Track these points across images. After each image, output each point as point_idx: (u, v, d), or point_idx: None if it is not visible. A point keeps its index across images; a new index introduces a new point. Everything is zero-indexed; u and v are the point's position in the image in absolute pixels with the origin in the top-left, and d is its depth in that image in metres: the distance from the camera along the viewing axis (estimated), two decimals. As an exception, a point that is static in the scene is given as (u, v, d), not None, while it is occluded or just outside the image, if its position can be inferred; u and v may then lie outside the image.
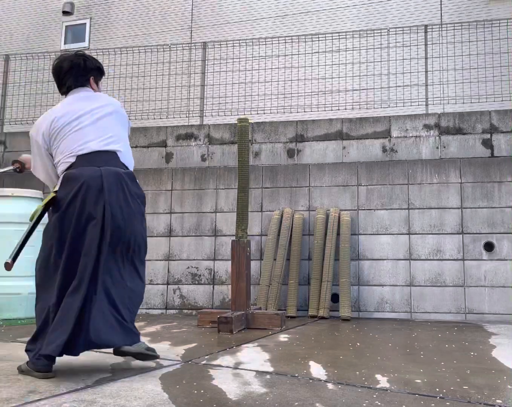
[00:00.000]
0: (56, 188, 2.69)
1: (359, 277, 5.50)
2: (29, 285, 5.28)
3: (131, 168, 2.83)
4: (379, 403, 2.19)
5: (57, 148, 2.72)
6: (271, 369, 2.83)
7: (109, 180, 2.60)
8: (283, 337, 4.00)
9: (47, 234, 2.72)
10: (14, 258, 2.75)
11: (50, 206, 2.70)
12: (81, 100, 2.80)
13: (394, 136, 5.76)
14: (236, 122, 4.91)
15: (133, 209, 2.69)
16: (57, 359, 2.63)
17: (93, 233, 2.56)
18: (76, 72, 2.83)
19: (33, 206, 5.40)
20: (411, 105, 6.10)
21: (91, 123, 2.72)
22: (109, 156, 2.70)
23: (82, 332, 2.49)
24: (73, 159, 2.66)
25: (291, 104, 6.42)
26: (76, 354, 2.58)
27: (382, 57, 6.35)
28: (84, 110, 2.74)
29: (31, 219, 2.78)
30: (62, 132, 2.70)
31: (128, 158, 2.81)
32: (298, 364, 2.98)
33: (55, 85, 2.94)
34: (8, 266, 2.69)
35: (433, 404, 2.19)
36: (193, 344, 3.65)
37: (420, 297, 5.35)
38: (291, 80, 6.59)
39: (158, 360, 3.01)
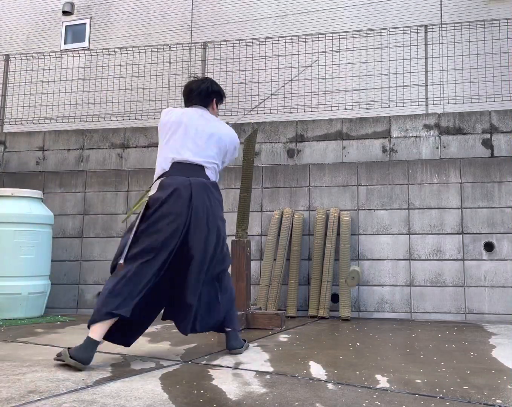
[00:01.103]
0: (151, 193, 3.06)
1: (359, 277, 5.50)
2: (29, 285, 5.30)
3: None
4: (379, 403, 2.19)
5: (164, 141, 3.17)
6: (271, 369, 2.83)
7: (198, 192, 2.99)
8: (283, 337, 4.00)
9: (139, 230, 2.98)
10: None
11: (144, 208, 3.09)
12: (196, 114, 3.23)
13: (394, 136, 5.76)
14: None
15: (215, 210, 3.09)
16: (53, 357, 2.64)
17: (169, 238, 2.93)
18: (203, 93, 3.31)
19: (33, 206, 5.43)
20: (411, 105, 6.10)
21: (192, 136, 3.12)
22: (198, 169, 3.08)
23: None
24: (168, 166, 3.06)
25: (291, 104, 6.42)
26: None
27: (382, 57, 6.35)
28: (194, 123, 3.16)
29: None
30: (170, 129, 3.15)
31: (211, 175, 3.16)
32: (298, 364, 2.98)
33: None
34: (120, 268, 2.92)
35: (433, 404, 2.19)
36: (193, 344, 3.65)
37: (420, 297, 5.35)
38: (291, 80, 6.59)
39: (158, 360, 3.01)
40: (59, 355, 2.79)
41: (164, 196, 2.95)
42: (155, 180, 3.09)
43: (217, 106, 3.41)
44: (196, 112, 3.26)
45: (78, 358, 2.69)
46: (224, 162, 3.32)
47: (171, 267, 2.96)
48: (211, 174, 3.15)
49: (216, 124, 3.28)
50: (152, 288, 2.90)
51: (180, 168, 3.05)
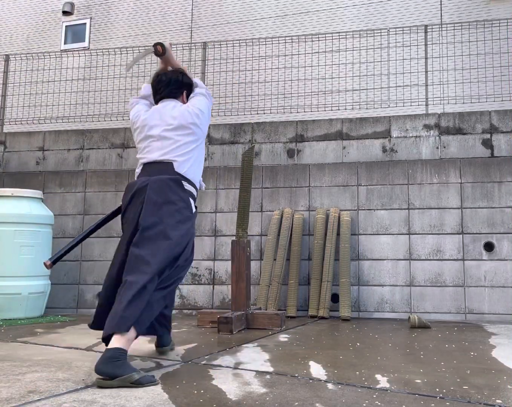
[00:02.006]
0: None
1: (359, 277, 5.50)
2: (29, 285, 5.30)
3: (192, 176, 3.01)
4: (379, 403, 2.19)
5: (136, 143, 3.15)
6: (271, 369, 2.83)
7: (153, 189, 2.84)
8: (283, 337, 4.00)
9: None
10: (55, 261, 2.98)
11: (115, 215, 3.19)
12: (159, 111, 3.07)
13: (394, 136, 5.76)
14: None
15: (166, 211, 2.84)
16: (53, 357, 2.63)
17: (127, 233, 2.87)
18: (172, 85, 3.14)
19: (33, 206, 5.43)
20: (411, 105, 6.10)
21: (157, 135, 2.99)
22: (164, 166, 2.94)
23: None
24: (139, 170, 3.03)
25: (291, 104, 6.42)
26: None
27: (382, 57, 6.35)
28: (159, 121, 3.02)
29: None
30: (139, 133, 3.08)
31: (185, 167, 2.96)
32: (298, 364, 2.98)
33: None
34: (47, 267, 2.95)
35: (433, 404, 2.19)
36: (193, 344, 3.65)
37: (420, 297, 5.35)
38: (291, 80, 6.59)
39: (158, 360, 3.01)
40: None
41: (125, 201, 2.95)
42: None
43: (187, 98, 3.20)
44: (163, 107, 3.09)
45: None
46: (207, 123, 3.16)
47: None
48: (184, 167, 2.96)
49: (179, 110, 3.06)
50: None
51: (147, 169, 2.97)
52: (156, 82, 3.17)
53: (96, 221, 3.25)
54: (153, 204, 2.81)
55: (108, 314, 2.67)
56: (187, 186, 2.95)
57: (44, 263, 2.91)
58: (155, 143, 2.99)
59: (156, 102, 3.16)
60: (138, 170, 3.06)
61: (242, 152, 6.02)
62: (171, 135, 2.98)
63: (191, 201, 2.97)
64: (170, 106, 3.07)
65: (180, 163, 2.95)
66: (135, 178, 3.06)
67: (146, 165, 2.99)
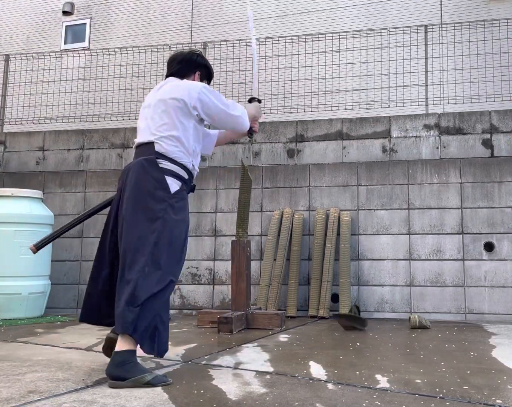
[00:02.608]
0: None
1: (359, 277, 5.50)
2: (29, 285, 5.30)
3: (179, 155, 2.72)
4: (379, 403, 2.19)
5: None
6: (271, 369, 2.83)
7: (132, 171, 2.69)
8: (283, 337, 4.00)
9: None
10: (41, 247, 2.91)
11: (106, 206, 2.99)
12: (156, 87, 2.89)
13: (394, 136, 5.76)
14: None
15: (131, 200, 2.66)
16: (53, 357, 2.63)
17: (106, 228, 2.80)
18: (184, 63, 2.93)
19: (33, 206, 5.43)
20: (411, 105, 6.10)
21: (148, 116, 2.80)
22: (146, 148, 2.75)
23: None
24: (133, 153, 2.88)
25: (291, 104, 6.42)
26: None
27: (382, 57, 6.35)
28: (151, 101, 2.82)
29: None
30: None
31: (166, 148, 2.70)
32: (298, 364, 2.98)
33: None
34: (32, 251, 2.91)
35: (433, 404, 2.19)
36: (193, 344, 3.65)
37: (420, 297, 5.35)
38: (291, 80, 6.59)
39: (158, 360, 3.01)
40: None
41: (117, 189, 2.84)
42: None
43: (202, 81, 2.96)
44: (158, 85, 2.90)
45: None
46: (208, 116, 2.81)
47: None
48: (166, 147, 2.70)
49: (175, 84, 2.83)
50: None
51: (135, 153, 2.83)
52: (170, 60, 2.99)
53: (86, 211, 3.16)
54: (129, 194, 2.65)
55: (100, 307, 2.75)
56: (165, 164, 2.68)
57: (30, 248, 2.87)
58: (143, 123, 2.82)
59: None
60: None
61: (242, 152, 6.03)
62: (158, 111, 2.74)
63: (171, 179, 2.67)
64: (169, 83, 2.85)
65: (163, 142, 2.70)
66: None
67: (135, 149, 2.86)
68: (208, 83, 3.03)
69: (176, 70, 2.91)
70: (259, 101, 3.18)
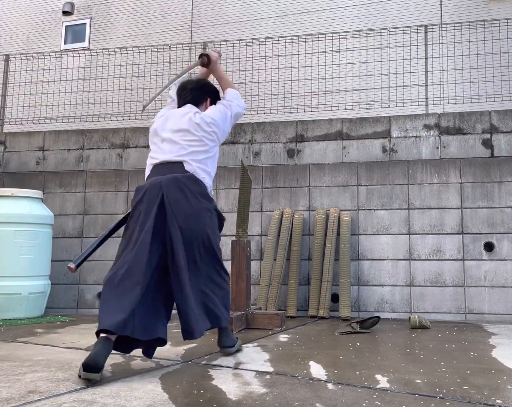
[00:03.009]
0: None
1: (359, 277, 5.50)
2: (29, 285, 5.30)
3: (203, 176, 3.02)
4: (379, 403, 2.19)
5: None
6: (271, 369, 2.83)
7: (167, 185, 2.87)
8: (283, 337, 4.00)
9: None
10: (79, 264, 2.94)
11: (125, 221, 3.05)
12: (175, 116, 3.13)
13: (394, 136, 5.77)
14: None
15: (193, 205, 2.89)
16: (53, 357, 2.63)
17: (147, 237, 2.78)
18: (196, 92, 3.23)
19: (33, 206, 5.43)
20: (411, 105, 6.10)
21: (168, 139, 3.03)
22: (175, 166, 2.97)
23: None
24: (148, 171, 3.04)
25: (291, 104, 6.42)
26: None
27: (382, 57, 6.35)
28: (170, 127, 3.07)
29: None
30: (152, 135, 3.14)
31: (196, 169, 2.99)
32: (298, 364, 2.98)
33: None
34: (71, 270, 2.88)
35: (433, 404, 2.19)
36: (193, 344, 3.65)
37: (420, 297, 5.35)
38: (291, 80, 6.59)
39: (158, 360, 3.01)
40: None
41: (135, 201, 2.92)
42: None
43: (212, 104, 3.29)
44: (179, 111, 3.16)
45: None
46: (222, 133, 3.20)
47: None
48: (195, 168, 2.98)
49: (192, 118, 3.09)
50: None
51: (157, 169, 3.00)
52: (181, 88, 3.26)
53: (109, 228, 3.17)
54: (180, 203, 2.85)
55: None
56: (202, 180, 3.01)
57: (68, 267, 2.86)
58: (165, 145, 3.03)
59: (179, 107, 3.23)
60: (147, 172, 3.06)
61: (242, 152, 6.03)
62: (179, 140, 3.01)
63: (209, 191, 3.08)
64: (183, 111, 3.13)
65: (190, 164, 2.97)
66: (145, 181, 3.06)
67: (156, 166, 3.01)
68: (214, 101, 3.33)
69: (189, 99, 3.20)
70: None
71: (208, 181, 3.07)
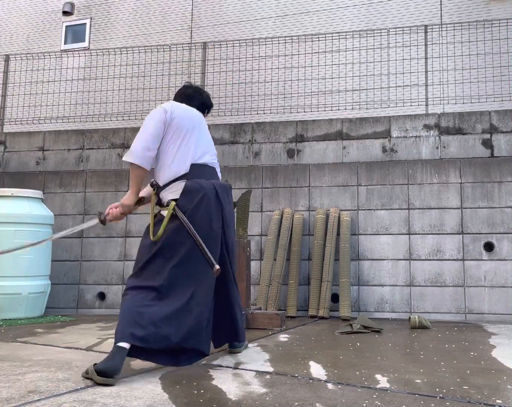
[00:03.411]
0: (171, 196, 2.82)
1: (359, 277, 5.50)
2: (29, 285, 5.30)
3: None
4: (379, 403, 2.19)
5: (171, 143, 2.88)
6: (271, 369, 2.83)
7: (222, 194, 2.88)
8: (283, 337, 4.00)
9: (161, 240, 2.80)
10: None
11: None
12: (201, 116, 3.13)
13: (394, 136, 5.76)
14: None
15: (232, 213, 3.02)
16: (53, 357, 2.62)
17: (214, 245, 2.81)
18: (204, 104, 3.24)
19: (33, 206, 5.43)
20: (411, 105, 6.10)
21: (203, 136, 3.00)
22: (214, 171, 3.00)
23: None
24: (186, 168, 2.85)
25: (291, 104, 6.42)
26: None
27: (382, 57, 6.35)
28: (204, 125, 3.08)
29: (157, 237, 2.79)
30: (185, 127, 2.92)
31: (220, 177, 3.11)
32: (298, 364, 2.98)
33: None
34: (217, 271, 2.74)
35: (433, 404, 2.19)
36: (193, 344, 3.64)
37: (420, 297, 5.35)
38: (291, 80, 6.59)
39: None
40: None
41: (193, 203, 2.77)
42: (171, 182, 2.85)
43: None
44: (200, 115, 3.18)
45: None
46: None
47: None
48: (220, 176, 3.14)
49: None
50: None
51: (199, 170, 2.89)
52: (195, 90, 3.25)
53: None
54: (231, 214, 2.98)
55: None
56: None
57: (215, 270, 2.71)
58: (202, 143, 2.98)
59: (190, 105, 3.14)
60: (183, 168, 2.85)
61: (242, 152, 6.03)
62: (209, 141, 3.09)
63: None
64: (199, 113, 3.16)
65: (218, 171, 3.07)
66: (170, 177, 2.85)
67: (197, 166, 2.89)
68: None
69: (199, 107, 3.18)
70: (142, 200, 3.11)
71: None
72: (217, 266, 2.65)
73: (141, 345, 2.54)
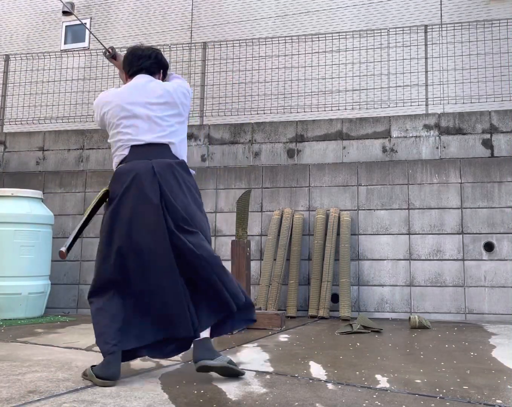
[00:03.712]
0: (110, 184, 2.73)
1: (359, 277, 5.50)
2: (29, 285, 5.30)
3: (185, 159, 2.78)
4: (379, 403, 2.19)
5: (112, 131, 2.74)
6: (271, 369, 2.83)
7: (161, 172, 2.58)
8: (283, 337, 4.00)
9: (102, 228, 2.76)
10: (69, 248, 2.65)
11: (104, 201, 2.78)
12: (140, 88, 2.76)
13: (394, 136, 5.76)
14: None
15: (189, 200, 2.65)
16: (53, 357, 2.63)
17: (154, 224, 2.54)
18: (153, 59, 2.86)
19: (33, 206, 5.43)
20: (411, 105, 6.10)
21: (145, 115, 2.68)
22: (162, 149, 2.67)
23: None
24: (126, 152, 2.67)
25: (291, 104, 6.42)
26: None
27: (382, 57, 6.35)
28: (140, 100, 2.71)
29: (84, 214, 2.79)
30: (116, 119, 2.70)
31: (180, 150, 2.75)
32: (298, 364, 2.98)
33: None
34: (62, 255, 2.60)
35: (433, 404, 2.19)
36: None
37: (420, 297, 5.35)
38: (291, 80, 6.59)
39: (158, 360, 3.00)
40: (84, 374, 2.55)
41: (123, 188, 2.60)
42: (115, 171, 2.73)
43: (162, 80, 2.94)
44: (143, 82, 2.78)
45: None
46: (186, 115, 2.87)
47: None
48: (179, 150, 2.74)
49: (163, 87, 2.79)
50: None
51: (139, 152, 2.64)
52: (133, 54, 2.86)
53: (87, 211, 2.86)
54: (177, 190, 2.60)
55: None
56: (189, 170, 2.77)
57: (60, 252, 2.59)
58: (143, 123, 2.67)
59: (131, 76, 2.85)
60: (123, 153, 2.69)
61: (242, 152, 6.03)
62: (160, 114, 2.69)
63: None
64: (153, 83, 2.79)
65: (176, 146, 2.71)
66: (115, 163, 2.74)
67: (137, 147, 2.65)
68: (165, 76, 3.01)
69: (147, 66, 2.84)
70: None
71: (186, 159, 2.82)
72: (62, 249, 2.56)
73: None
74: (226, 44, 6.66)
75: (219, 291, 2.58)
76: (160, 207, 2.53)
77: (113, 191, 2.68)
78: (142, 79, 2.79)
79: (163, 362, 2.98)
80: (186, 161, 2.78)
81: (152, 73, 2.84)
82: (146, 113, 2.68)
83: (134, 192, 2.57)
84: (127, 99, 2.71)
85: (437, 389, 2.41)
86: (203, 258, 2.58)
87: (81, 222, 2.78)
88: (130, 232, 2.57)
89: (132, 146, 2.66)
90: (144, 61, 2.83)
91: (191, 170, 2.81)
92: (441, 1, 7.68)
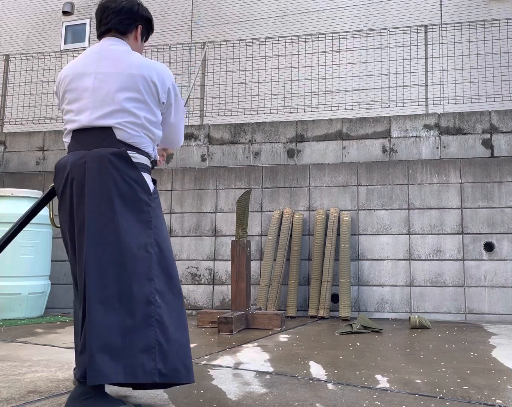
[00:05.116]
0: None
1: (359, 277, 5.50)
2: (29, 285, 5.30)
3: (142, 141, 2.13)
4: (379, 403, 2.19)
5: (62, 107, 2.24)
6: (271, 369, 2.83)
7: (91, 168, 2.02)
8: (283, 337, 4.00)
9: None
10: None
11: (50, 198, 2.34)
12: (105, 52, 2.18)
13: (394, 136, 5.76)
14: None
15: (120, 211, 2.03)
16: (53, 357, 2.62)
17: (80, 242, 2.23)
18: (124, 14, 2.24)
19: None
20: (411, 105, 6.10)
21: (92, 88, 2.10)
22: (102, 134, 2.07)
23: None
24: (68, 139, 2.17)
25: (291, 104, 6.42)
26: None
27: (382, 57, 6.35)
28: (90, 70, 2.13)
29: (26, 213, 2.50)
30: (65, 94, 2.18)
31: (129, 137, 2.09)
32: (298, 364, 2.98)
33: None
34: None
35: (433, 404, 2.19)
36: (193, 344, 3.65)
37: (420, 297, 5.35)
38: (291, 80, 6.59)
39: (158, 360, 3.00)
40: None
41: (60, 187, 2.15)
42: None
43: (142, 38, 2.33)
44: (101, 49, 2.18)
45: None
46: (167, 113, 2.23)
47: None
48: (129, 136, 2.08)
49: (131, 58, 2.15)
50: None
51: (78, 138, 2.11)
52: (101, 9, 2.26)
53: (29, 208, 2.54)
54: (95, 195, 2.02)
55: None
56: (137, 157, 2.09)
57: None
58: (87, 99, 2.09)
59: (99, 38, 2.27)
60: (66, 140, 2.19)
61: (242, 152, 6.03)
62: (112, 88, 2.08)
63: (146, 178, 2.12)
64: (118, 50, 2.18)
65: (124, 127, 2.07)
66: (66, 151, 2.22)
67: (76, 133, 2.12)
68: (147, 37, 2.41)
69: (115, 24, 2.22)
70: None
71: (147, 141, 2.15)
72: None
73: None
74: (226, 44, 6.66)
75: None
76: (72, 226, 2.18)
77: (56, 188, 2.22)
78: (106, 42, 2.22)
79: (163, 362, 2.98)
80: (150, 144, 2.17)
81: (122, 33, 2.24)
82: (92, 85, 2.10)
83: (68, 200, 2.13)
84: (80, 70, 2.15)
85: (437, 389, 2.41)
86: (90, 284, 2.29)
87: (18, 224, 2.57)
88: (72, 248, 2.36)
89: (73, 131, 2.13)
90: (113, 18, 2.22)
91: (156, 155, 2.26)
92: (441, 1, 7.68)
